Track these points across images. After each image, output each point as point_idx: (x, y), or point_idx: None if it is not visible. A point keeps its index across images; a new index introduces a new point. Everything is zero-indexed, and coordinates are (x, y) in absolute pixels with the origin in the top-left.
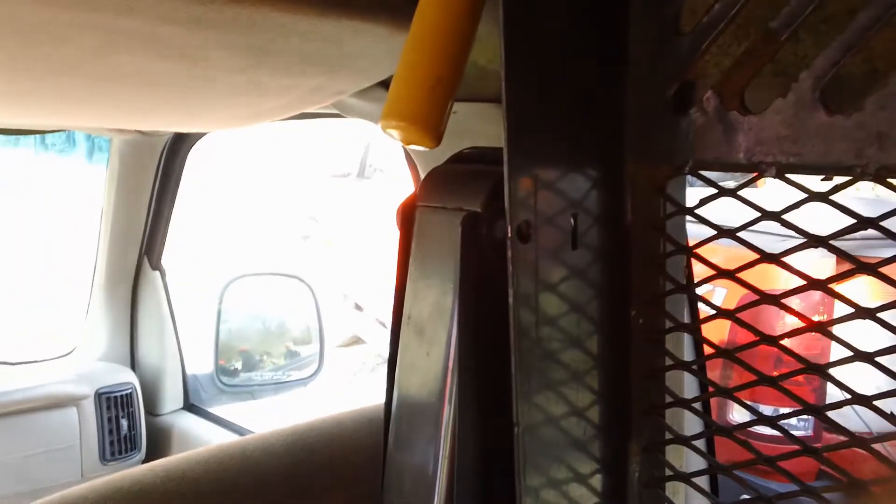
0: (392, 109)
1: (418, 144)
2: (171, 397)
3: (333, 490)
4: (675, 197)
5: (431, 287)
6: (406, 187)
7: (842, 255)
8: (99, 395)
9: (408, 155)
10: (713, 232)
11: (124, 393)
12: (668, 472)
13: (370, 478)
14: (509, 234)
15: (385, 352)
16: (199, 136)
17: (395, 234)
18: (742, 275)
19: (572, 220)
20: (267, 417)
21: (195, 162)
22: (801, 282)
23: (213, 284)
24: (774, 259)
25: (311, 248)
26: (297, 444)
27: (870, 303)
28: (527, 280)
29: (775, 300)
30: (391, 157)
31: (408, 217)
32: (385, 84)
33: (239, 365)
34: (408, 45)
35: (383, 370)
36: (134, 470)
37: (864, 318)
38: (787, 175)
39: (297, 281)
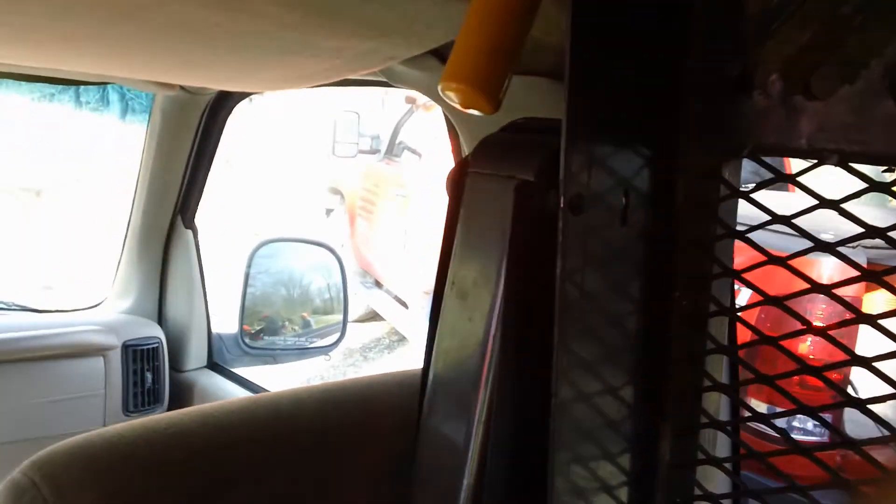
0: (453, 71)
1: (477, 108)
2: (196, 355)
3: (363, 447)
4: (731, 180)
5: (478, 253)
6: (434, 168)
7: (847, 261)
8: (126, 347)
9: (450, 128)
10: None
11: (150, 347)
12: (701, 456)
13: (399, 440)
14: (562, 206)
15: (402, 329)
16: (241, 97)
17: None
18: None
19: (623, 198)
20: (287, 383)
21: (232, 126)
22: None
23: (241, 248)
24: (829, 247)
25: (334, 223)
26: (328, 402)
27: None
28: (575, 253)
29: (827, 290)
30: (422, 137)
31: (458, 183)
32: (437, 53)
33: (263, 328)
34: (472, 9)
35: (400, 348)
36: (171, 413)
37: (866, 324)
38: (850, 164)
39: (325, 249)
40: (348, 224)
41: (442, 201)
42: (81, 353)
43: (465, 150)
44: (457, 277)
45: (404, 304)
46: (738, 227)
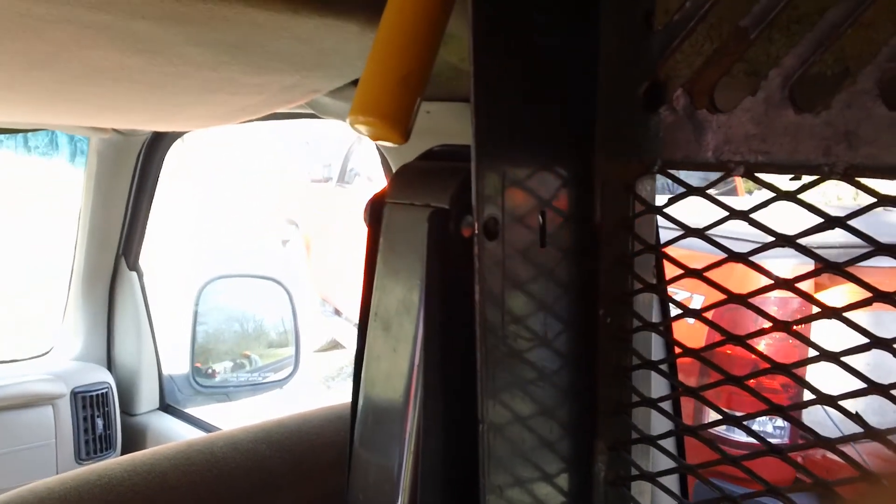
0: (360, 104)
1: (386, 140)
2: (147, 397)
3: (299, 486)
4: (645, 196)
5: (398, 283)
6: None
7: (808, 253)
8: (75, 395)
9: (381, 154)
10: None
11: (100, 392)
12: (635, 472)
13: (337, 474)
14: (476, 231)
15: None
16: (176, 136)
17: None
18: (716, 279)
19: (541, 218)
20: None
21: (175, 163)
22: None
23: (190, 285)
24: (742, 259)
25: (290, 253)
26: (264, 441)
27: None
28: (494, 277)
29: (743, 300)
30: (372, 162)
31: (376, 213)
32: (356, 83)
33: (215, 366)
34: (377, 41)
35: None
36: (102, 464)
37: (831, 318)
38: (756, 174)
39: (274, 283)
40: (305, 253)
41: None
42: (30, 403)
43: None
44: (379, 308)
45: None
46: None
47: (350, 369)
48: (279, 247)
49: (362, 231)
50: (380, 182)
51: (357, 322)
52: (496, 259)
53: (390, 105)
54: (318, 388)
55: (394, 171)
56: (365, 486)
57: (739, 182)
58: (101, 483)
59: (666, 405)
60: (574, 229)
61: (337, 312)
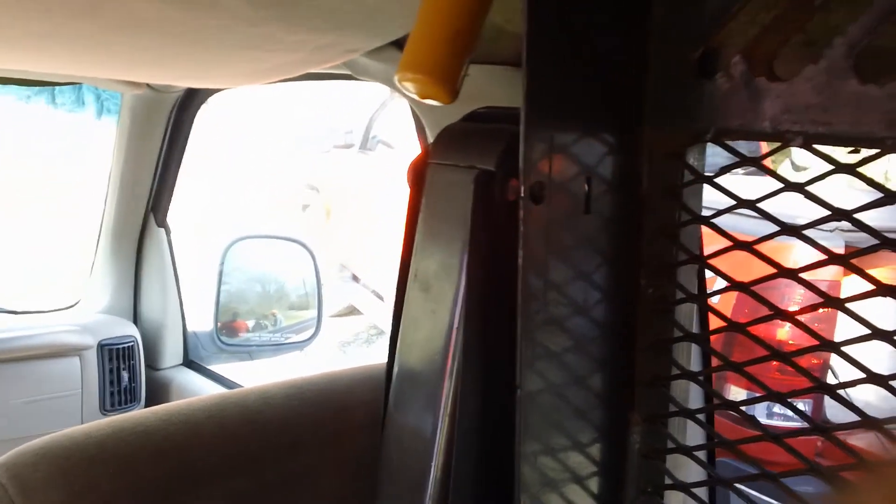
0: (409, 61)
1: (434, 98)
2: (172, 353)
3: (331, 444)
4: (695, 165)
5: (440, 245)
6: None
7: (812, 244)
8: (101, 347)
9: (416, 118)
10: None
11: (126, 345)
12: (671, 445)
13: (367, 435)
14: (522, 195)
15: (381, 324)
16: (208, 94)
17: (400, 198)
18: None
19: (586, 185)
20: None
21: (202, 123)
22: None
23: (215, 245)
24: (796, 232)
25: (310, 218)
26: (296, 397)
27: None
28: (537, 243)
29: (794, 275)
30: (395, 130)
31: (419, 174)
32: (398, 44)
33: (243, 323)
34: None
35: (379, 342)
36: (138, 412)
37: (886, 297)
38: (815, 146)
39: (298, 245)
40: (325, 219)
41: (405, 193)
42: (58, 353)
43: (430, 141)
44: (419, 270)
45: (381, 298)
46: (706, 213)
47: (366, 335)
48: (299, 212)
49: (382, 198)
50: (400, 150)
51: (396, 283)
52: (540, 224)
53: (439, 63)
54: (335, 353)
55: (429, 134)
56: (399, 448)
57: (768, 164)
58: (136, 430)
59: (703, 378)
60: (619, 197)
61: (355, 278)
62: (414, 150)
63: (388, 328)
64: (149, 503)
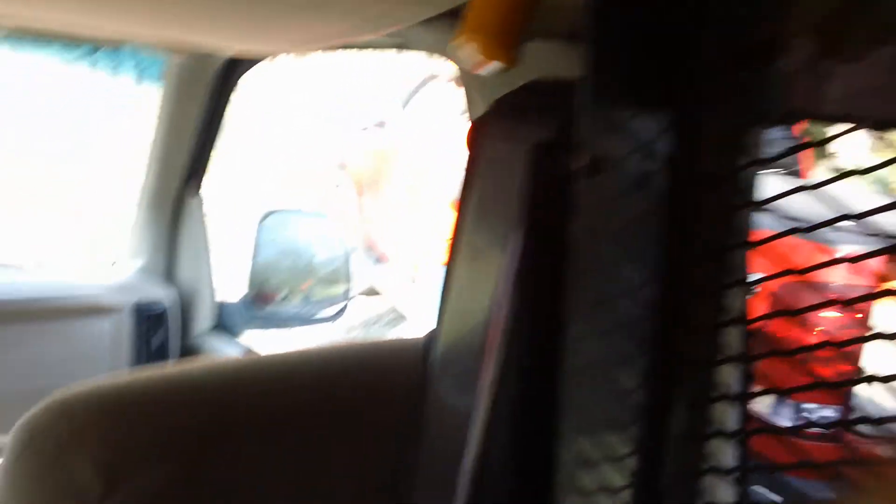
0: (473, 25)
1: (496, 60)
2: (203, 318)
3: (366, 409)
4: (753, 148)
5: (492, 216)
6: (441, 144)
7: (820, 242)
8: (135, 309)
9: (468, 96)
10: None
11: (159, 309)
12: (712, 429)
13: (402, 404)
14: (577, 168)
15: (402, 308)
16: (250, 64)
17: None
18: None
19: (641, 162)
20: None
21: (240, 95)
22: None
23: (248, 217)
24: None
25: (341, 197)
26: (334, 362)
27: None
28: (590, 216)
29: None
30: (430, 113)
31: (473, 142)
32: (451, 14)
33: (273, 295)
34: None
35: (400, 325)
36: (180, 366)
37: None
38: (886, 130)
39: (329, 222)
40: (355, 199)
41: (454, 169)
42: (92, 312)
43: (477, 111)
44: (470, 239)
45: (405, 282)
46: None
47: (388, 318)
48: (331, 190)
49: (411, 181)
50: (435, 133)
51: (447, 252)
52: (594, 198)
53: (503, 27)
54: (358, 332)
55: (477, 109)
56: (439, 417)
57: (808, 158)
58: (179, 380)
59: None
60: (674, 177)
61: (380, 260)
62: (448, 134)
63: (408, 312)
64: (186, 449)
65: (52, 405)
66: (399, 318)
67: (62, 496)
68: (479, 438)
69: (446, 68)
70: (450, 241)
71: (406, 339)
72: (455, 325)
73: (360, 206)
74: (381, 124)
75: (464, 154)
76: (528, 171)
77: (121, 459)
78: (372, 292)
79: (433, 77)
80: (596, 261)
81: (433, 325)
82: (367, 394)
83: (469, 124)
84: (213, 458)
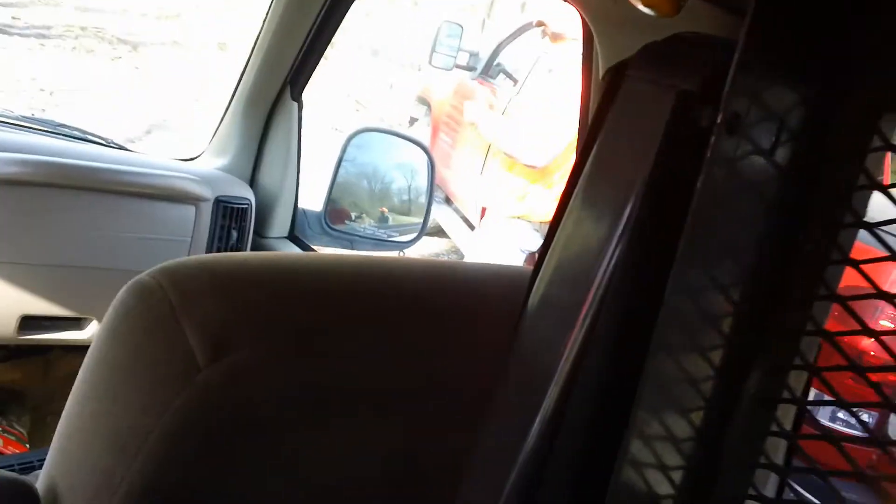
0: None
1: (658, 8)
2: (279, 224)
3: (466, 327)
4: (886, 132)
5: (620, 156)
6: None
7: None
8: (217, 202)
9: (586, 53)
10: None
11: (240, 206)
12: (787, 395)
13: (501, 327)
14: (718, 121)
15: (464, 249)
16: None
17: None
18: None
19: (777, 130)
20: None
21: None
22: None
23: (332, 135)
24: None
25: (415, 132)
26: (437, 275)
27: None
28: (718, 173)
29: None
30: (521, 63)
31: (613, 84)
32: None
33: (347, 212)
34: None
35: None
36: (288, 252)
37: None
38: None
39: (419, 149)
40: (430, 136)
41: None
42: (177, 198)
43: (601, 62)
44: (592, 178)
45: (470, 226)
46: None
47: (447, 258)
48: (405, 124)
49: (489, 126)
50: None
51: (562, 192)
52: (726, 156)
53: None
54: None
55: (600, 63)
56: (531, 349)
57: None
58: (289, 265)
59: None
60: (803, 150)
61: (448, 201)
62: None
63: (468, 254)
64: (289, 331)
65: (165, 269)
66: (460, 259)
67: (171, 353)
68: (563, 376)
69: (547, 20)
70: (569, 180)
71: (505, 266)
72: (562, 259)
73: (435, 143)
74: (469, 67)
75: (599, 95)
76: (670, 115)
77: (229, 329)
78: (437, 231)
79: (529, 26)
80: (710, 220)
81: (537, 259)
82: (468, 310)
83: (609, 68)
84: (315, 345)
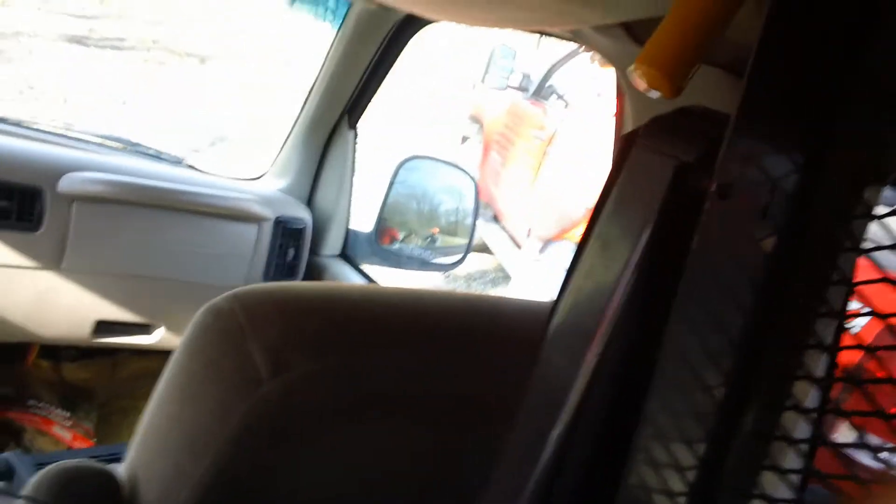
0: (649, 55)
1: (660, 91)
2: (332, 243)
3: (490, 365)
4: (870, 199)
5: (627, 214)
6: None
7: None
8: (277, 222)
9: (619, 92)
10: None
11: (298, 227)
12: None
13: (524, 354)
14: (712, 189)
15: (509, 268)
16: (426, 22)
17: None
18: None
19: (768, 195)
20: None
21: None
22: None
23: (385, 157)
24: None
25: (467, 150)
26: (471, 309)
27: None
28: (712, 233)
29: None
30: (573, 86)
31: (625, 149)
32: (624, 26)
33: (395, 233)
34: (681, 5)
35: (503, 285)
36: (340, 283)
37: None
38: None
39: (464, 174)
40: (481, 154)
41: (594, 158)
42: (241, 217)
43: (629, 117)
44: (603, 230)
45: (517, 244)
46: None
47: (492, 276)
48: (457, 142)
49: (539, 148)
50: (573, 106)
51: (581, 238)
52: (720, 218)
53: (677, 64)
54: (459, 283)
55: (628, 112)
56: (545, 379)
57: None
58: (339, 294)
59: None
60: (794, 211)
61: (495, 218)
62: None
63: (514, 273)
64: (342, 350)
65: (237, 295)
66: (504, 278)
67: (240, 369)
68: (576, 402)
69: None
70: (586, 228)
71: (532, 301)
72: (578, 297)
73: (486, 161)
74: (522, 87)
75: (610, 157)
76: (669, 183)
77: (288, 350)
78: (483, 248)
79: (581, 52)
80: (704, 275)
81: (558, 293)
82: (497, 338)
83: (622, 136)
84: (361, 365)
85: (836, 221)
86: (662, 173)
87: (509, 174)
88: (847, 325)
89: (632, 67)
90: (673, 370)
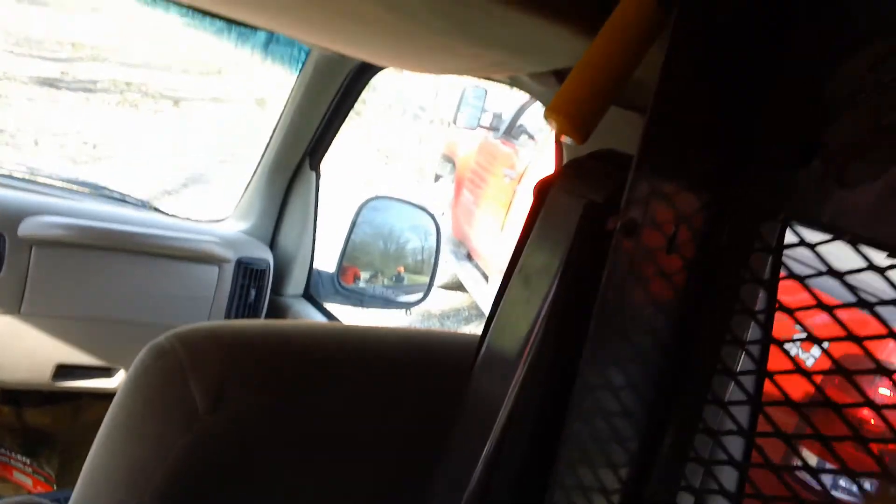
0: (557, 104)
1: (569, 137)
2: (295, 283)
3: (428, 381)
4: (767, 237)
5: (545, 250)
6: (543, 157)
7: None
8: (239, 263)
9: (557, 141)
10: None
11: (260, 267)
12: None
13: (453, 394)
14: (617, 227)
15: (483, 305)
16: (381, 68)
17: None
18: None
19: (675, 228)
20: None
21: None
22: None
23: (349, 197)
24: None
25: (440, 189)
26: (406, 343)
27: None
28: (621, 268)
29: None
30: (542, 125)
31: (543, 192)
32: (556, 73)
33: (358, 273)
34: (587, 57)
35: (477, 322)
36: (284, 321)
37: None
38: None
39: (426, 214)
40: (454, 193)
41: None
42: (202, 259)
43: (566, 158)
44: (525, 265)
45: (487, 281)
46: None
47: (466, 313)
48: (430, 181)
49: (515, 187)
50: (542, 144)
51: (504, 272)
52: (627, 254)
53: (583, 113)
54: (433, 322)
55: (565, 155)
56: (473, 408)
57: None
58: (280, 330)
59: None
60: (700, 246)
61: (469, 256)
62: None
63: (487, 311)
64: (279, 387)
65: (177, 334)
66: (478, 315)
67: (179, 405)
68: (501, 429)
69: None
70: (509, 263)
71: (460, 334)
72: (503, 330)
73: (459, 199)
74: (493, 127)
75: (532, 197)
76: (579, 222)
77: (227, 385)
78: (457, 286)
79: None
80: (620, 301)
81: (483, 327)
82: (430, 370)
83: (540, 179)
84: (299, 401)
85: (736, 255)
86: (574, 213)
87: (481, 212)
88: (750, 351)
89: (545, 113)
90: (591, 399)
